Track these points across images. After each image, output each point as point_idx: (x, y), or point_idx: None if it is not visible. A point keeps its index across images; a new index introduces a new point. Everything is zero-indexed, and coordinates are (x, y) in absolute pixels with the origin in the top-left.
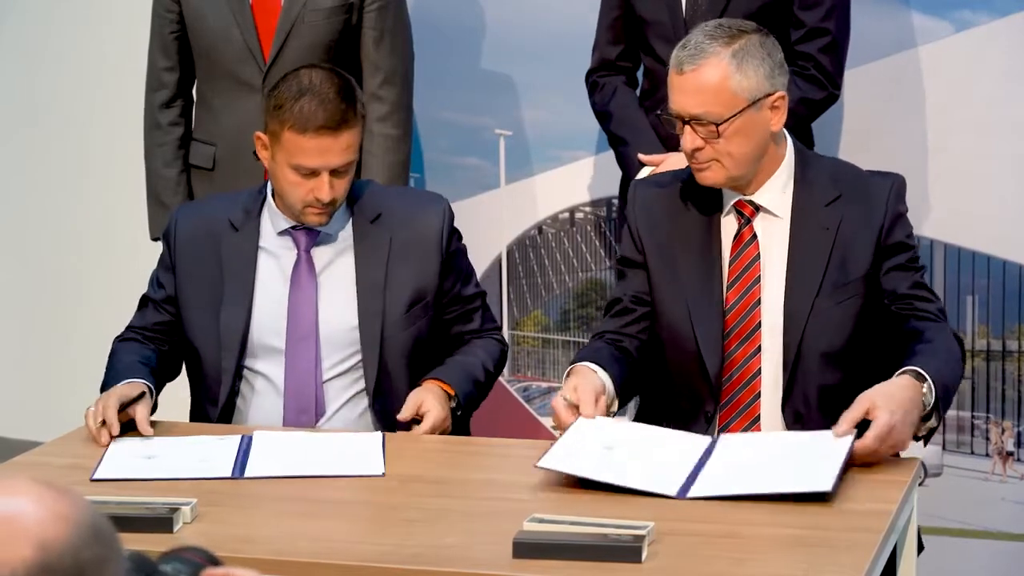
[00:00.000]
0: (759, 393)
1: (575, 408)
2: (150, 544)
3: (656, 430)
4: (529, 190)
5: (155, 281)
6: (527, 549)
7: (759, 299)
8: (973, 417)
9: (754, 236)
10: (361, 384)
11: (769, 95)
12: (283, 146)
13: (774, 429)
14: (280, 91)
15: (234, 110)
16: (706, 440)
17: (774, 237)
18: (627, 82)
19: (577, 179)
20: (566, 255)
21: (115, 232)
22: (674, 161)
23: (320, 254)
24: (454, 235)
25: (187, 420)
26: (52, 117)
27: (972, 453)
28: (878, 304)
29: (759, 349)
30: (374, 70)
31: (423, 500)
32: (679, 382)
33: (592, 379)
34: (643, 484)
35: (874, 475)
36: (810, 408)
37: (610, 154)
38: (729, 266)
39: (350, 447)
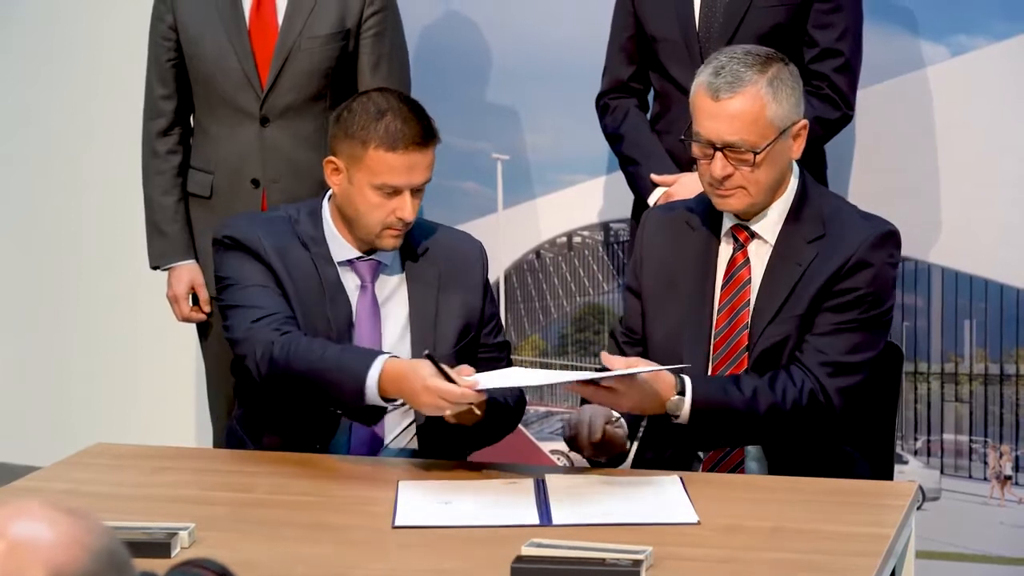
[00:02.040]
0: None
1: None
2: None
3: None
4: (527, 214)
5: (255, 278)
6: (525, 574)
7: (747, 323)
8: (971, 441)
9: (746, 260)
10: (411, 415)
11: (795, 123)
12: (366, 166)
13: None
14: (355, 113)
15: (231, 138)
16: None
17: (761, 263)
18: (639, 105)
19: (575, 203)
20: (564, 280)
21: (115, 257)
22: (687, 181)
23: (381, 286)
24: (489, 278)
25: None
26: (49, 131)
27: (970, 477)
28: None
29: (746, 372)
30: None
31: None
32: None
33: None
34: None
35: (872, 499)
36: None
37: (608, 178)
38: (721, 290)
39: (651, 491)
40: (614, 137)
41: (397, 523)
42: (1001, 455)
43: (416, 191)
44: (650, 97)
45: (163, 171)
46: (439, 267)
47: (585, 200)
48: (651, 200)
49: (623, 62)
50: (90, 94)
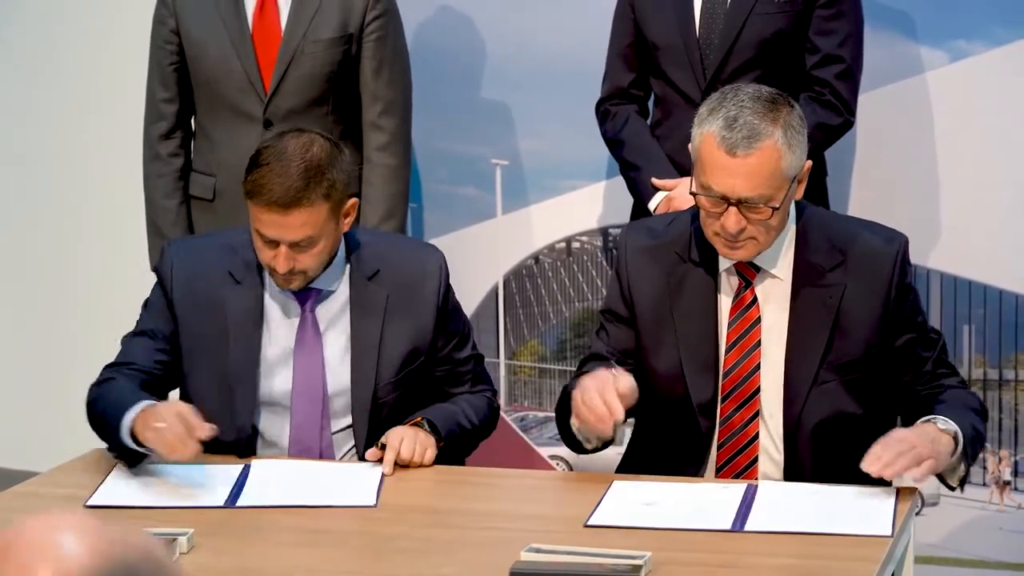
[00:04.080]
0: (756, 457)
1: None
2: None
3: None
4: (526, 220)
5: (149, 319)
6: None
7: (759, 364)
8: None
9: (755, 299)
10: (351, 438)
11: (803, 167)
12: (249, 207)
13: None
14: (259, 150)
15: (234, 141)
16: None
17: (775, 298)
18: (639, 111)
19: (574, 209)
20: (563, 285)
21: (116, 260)
22: (687, 186)
23: (324, 312)
24: (449, 293)
25: None
26: (50, 133)
27: (969, 482)
28: (880, 376)
29: (757, 413)
30: (373, 100)
31: (419, 530)
32: (671, 437)
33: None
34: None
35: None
36: (806, 477)
37: (607, 184)
38: (728, 328)
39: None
40: (614, 143)
41: (590, 522)
42: (1000, 460)
43: (299, 246)
44: (650, 103)
45: (164, 174)
46: (387, 291)
47: (584, 205)
48: (651, 205)
49: (623, 69)
50: (91, 96)
